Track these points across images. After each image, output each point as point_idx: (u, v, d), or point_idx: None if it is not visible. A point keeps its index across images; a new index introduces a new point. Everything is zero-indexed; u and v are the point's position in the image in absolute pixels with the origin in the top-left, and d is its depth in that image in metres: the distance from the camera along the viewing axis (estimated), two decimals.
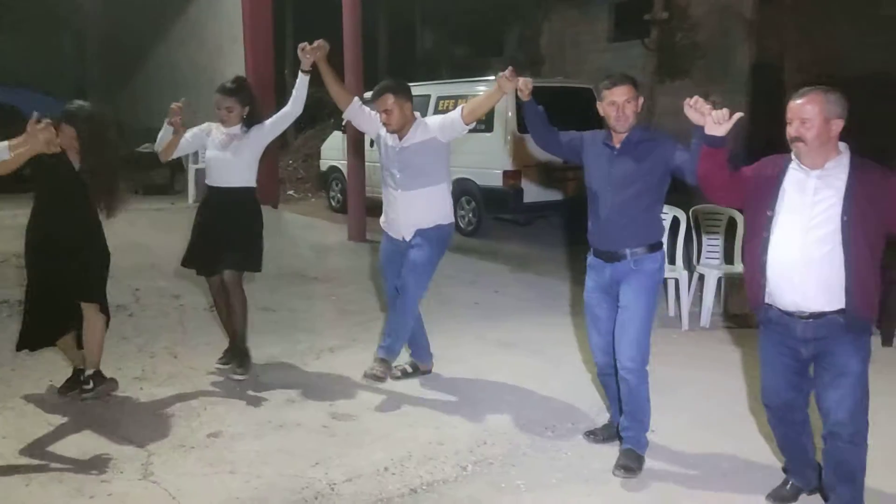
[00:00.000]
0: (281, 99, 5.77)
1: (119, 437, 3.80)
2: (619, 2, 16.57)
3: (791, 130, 2.90)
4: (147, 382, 4.54)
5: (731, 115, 3.00)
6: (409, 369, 4.74)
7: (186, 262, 4.83)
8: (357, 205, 9.00)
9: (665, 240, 4.05)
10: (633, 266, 3.55)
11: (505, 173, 9.36)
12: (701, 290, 5.98)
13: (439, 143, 4.39)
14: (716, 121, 3.00)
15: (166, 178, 12.22)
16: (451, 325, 5.69)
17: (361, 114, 4.56)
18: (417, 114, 4.47)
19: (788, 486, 3.29)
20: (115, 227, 4.42)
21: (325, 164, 12.15)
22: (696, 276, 6.15)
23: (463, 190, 9.96)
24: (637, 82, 3.61)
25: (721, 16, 14.40)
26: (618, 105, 3.48)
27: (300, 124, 16.16)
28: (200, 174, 10.78)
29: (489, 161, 9.48)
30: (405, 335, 4.47)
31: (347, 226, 9.10)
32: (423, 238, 4.40)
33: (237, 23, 10.62)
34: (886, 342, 5.33)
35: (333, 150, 11.72)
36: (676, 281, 5.97)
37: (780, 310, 3.00)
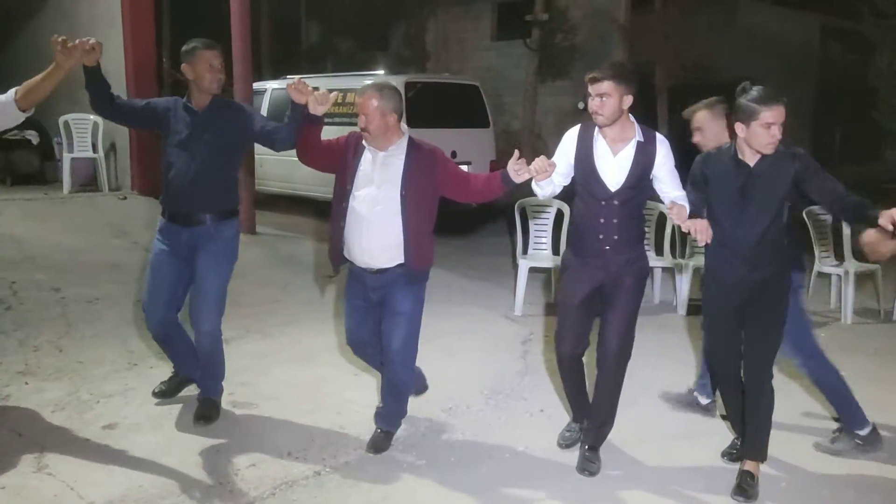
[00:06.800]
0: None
1: (7, 430, 3.66)
2: (502, 2, 17.02)
3: (359, 121, 3.41)
4: (32, 377, 4.36)
5: (329, 96, 3.44)
6: None
7: None
8: (246, 197, 8.85)
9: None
10: (213, 231, 3.77)
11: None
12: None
13: None
14: (318, 102, 3.42)
15: (35, 166, 11.53)
16: None
17: None
18: None
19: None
20: None
21: None
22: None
23: None
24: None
25: (597, 20, 15.10)
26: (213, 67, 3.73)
27: None
28: (76, 163, 10.30)
29: None
30: None
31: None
32: None
33: (115, 4, 10.15)
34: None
35: None
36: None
37: (356, 265, 3.57)
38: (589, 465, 3.52)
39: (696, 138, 3.79)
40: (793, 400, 4.29)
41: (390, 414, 3.76)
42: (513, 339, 5.48)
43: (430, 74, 13.45)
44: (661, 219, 6.32)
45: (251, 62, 8.72)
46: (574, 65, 14.69)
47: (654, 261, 6.49)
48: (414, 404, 4.18)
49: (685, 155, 3.76)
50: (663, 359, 5.03)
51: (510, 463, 3.60)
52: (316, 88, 3.50)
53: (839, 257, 6.43)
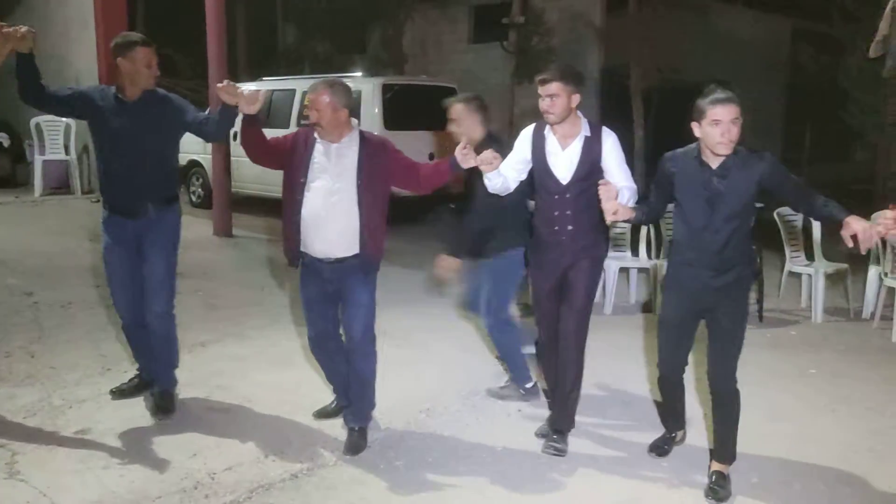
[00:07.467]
0: None
1: None
2: (479, 4, 17.08)
3: (311, 116, 3.50)
4: (4, 383, 4.31)
5: (259, 95, 3.50)
6: None
7: None
8: (222, 199, 8.81)
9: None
10: (156, 218, 3.85)
11: None
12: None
13: None
14: (248, 102, 3.48)
15: (6, 169, 11.39)
16: None
17: None
18: None
19: (334, 405, 4.04)
20: None
21: (184, 158, 11.68)
22: None
23: None
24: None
25: (573, 23, 15.20)
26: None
27: None
28: (48, 166, 10.18)
29: None
30: None
31: (213, 221, 8.89)
32: None
33: (87, 6, 10.06)
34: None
35: (194, 144, 11.28)
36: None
37: (312, 256, 3.62)
38: (555, 443, 3.64)
39: (452, 128, 4.14)
40: (763, 398, 4.35)
41: (360, 409, 3.81)
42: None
43: (407, 77, 13.43)
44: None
45: (226, 64, 8.68)
46: (550, 66, 14.75)
47: (630, 261, 6.56)
48: (391, 405, 4.19)
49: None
50: (639, 357, 5.07)
51: (488, 463, 3.62)
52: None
53: (810, 257, 6.53)
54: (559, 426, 3.74)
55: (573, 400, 3.75)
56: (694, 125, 3.15)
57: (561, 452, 3.64)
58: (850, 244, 2.93)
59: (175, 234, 3.98)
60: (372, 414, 3.86)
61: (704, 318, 3.35)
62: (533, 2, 15.08)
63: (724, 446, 3.39)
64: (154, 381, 4.09)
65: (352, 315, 3.65)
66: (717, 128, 3.05)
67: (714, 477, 3.36)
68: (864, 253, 2.99)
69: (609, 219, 3.26)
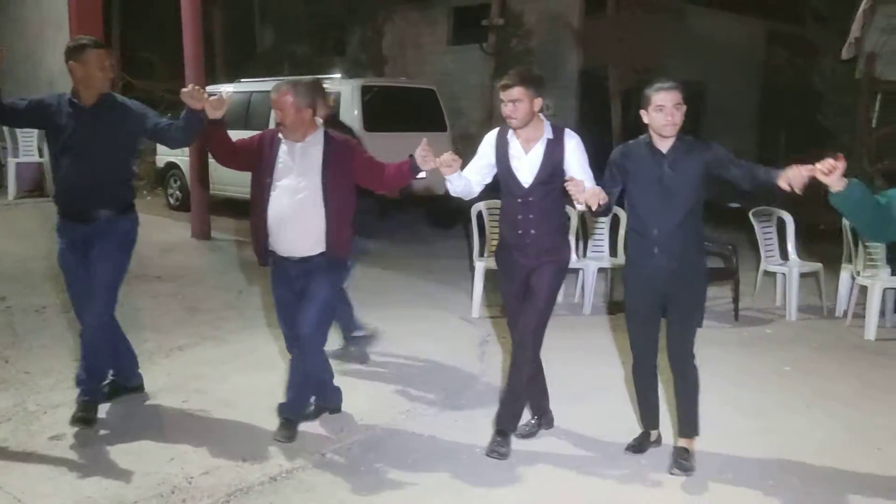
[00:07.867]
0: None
1: None
2: (458, 7, 17.11)
3: (275, 116, 3.58)
4: None
5: (224, 100, 3.56)
6: None
7: None
8: (200, 202, 8.75)
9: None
10: (108, 227, 3.80)
11: None
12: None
13: None
14: (214, 107, 3.53)
15: None
16: None
17: None
18: None
19: (312, 407, 4.02)
20: None
21: (161, 161, 11.64)
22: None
23: None
24: None
25: (552, 24, 15.28)
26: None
27: None
28: (21, 168, 10.05)
29: None
30: None
31: (191, 223, 8.83)
32: None
33: (62, 8, 9.94)
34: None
35: None
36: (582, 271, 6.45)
37: (280, 256, 3.71)
38: (497, 447, 3.64)
39: None
40: (738, 395, 4.40)
41: (294, 402, 3.85)
42: (470, 341, 5.51)
43: (386, 78, 13.44)
44: (615, 220, 6.41)
45: (203, 65, 8.63)
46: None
47: (608, 262, 6.60)
48: (372, 407, 4.20)
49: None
50: (617, 357, 5.11)
51: (467, 464, 3.62)
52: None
53: (784, 256, 6.61)
54: (503, 426, 3.71)
55: (522, 400, 3.77)
56: (642, 112, 3.37)
57: (503, 456, 3.61)
58: (788, 189, 3.08)
59: (127, 243, 3.87)
60: (304, 412, 3.90)
61: (665, 305, 3.48)
62: (512, 4, 15.15)
63: (686, 421, 3.54)
64: (91, 390, 3.89)
65: (307, 307, 3.68)
66: (662, 112, 3.29)
67: (679, 452, 3.50)
68: (799, 192, 3.09)
69: (593, 203, 3.29)
